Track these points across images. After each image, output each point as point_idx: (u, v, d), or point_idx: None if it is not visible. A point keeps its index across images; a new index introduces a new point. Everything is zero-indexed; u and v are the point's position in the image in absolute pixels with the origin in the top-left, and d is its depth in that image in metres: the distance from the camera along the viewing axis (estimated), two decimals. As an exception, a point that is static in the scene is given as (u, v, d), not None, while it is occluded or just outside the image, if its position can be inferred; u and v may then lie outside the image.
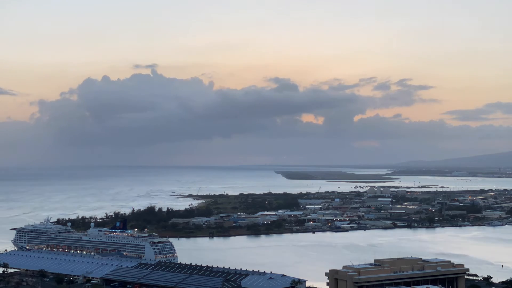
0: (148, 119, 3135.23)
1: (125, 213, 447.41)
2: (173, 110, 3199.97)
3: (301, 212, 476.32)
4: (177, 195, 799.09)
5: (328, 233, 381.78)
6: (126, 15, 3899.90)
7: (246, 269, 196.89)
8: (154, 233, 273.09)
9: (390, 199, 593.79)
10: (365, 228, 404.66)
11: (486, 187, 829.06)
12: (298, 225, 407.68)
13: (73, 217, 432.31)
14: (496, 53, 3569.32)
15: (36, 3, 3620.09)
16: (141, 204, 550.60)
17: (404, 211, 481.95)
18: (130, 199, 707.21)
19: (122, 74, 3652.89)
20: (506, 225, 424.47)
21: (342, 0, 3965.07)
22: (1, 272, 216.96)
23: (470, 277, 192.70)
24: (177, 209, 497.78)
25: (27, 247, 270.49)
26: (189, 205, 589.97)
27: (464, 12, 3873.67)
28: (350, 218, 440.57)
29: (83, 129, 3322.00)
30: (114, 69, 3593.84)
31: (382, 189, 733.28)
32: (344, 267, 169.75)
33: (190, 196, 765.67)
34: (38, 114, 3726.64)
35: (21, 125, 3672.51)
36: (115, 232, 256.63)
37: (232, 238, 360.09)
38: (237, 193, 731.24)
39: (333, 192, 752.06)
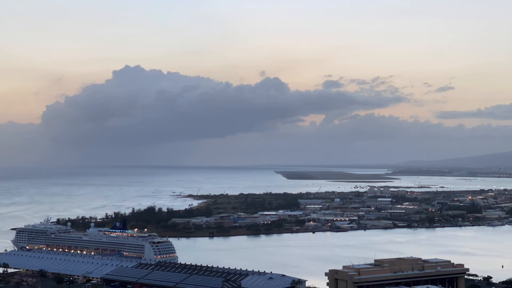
0: (144, 119, 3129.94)
1: (125, 213, 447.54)
2: (171, 109, 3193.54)
3: (301, 212, 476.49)
4: (177, 195, 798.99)
5: (328, 233, 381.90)
6: (118, 11, 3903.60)
7: (246, 269, 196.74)
8: (154, 233, 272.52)
9: (390, 199, 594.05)
10: (365, 228, 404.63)
11: (486, 187, 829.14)
12: (298, 225, 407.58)
13: (73, 217, 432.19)
14: (496, 53, 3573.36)
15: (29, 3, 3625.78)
16: (141, 204, 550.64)
17: (404, 211, 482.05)
18: (130, 199, 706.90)
19: (114, 70, 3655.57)
20: (506, 225, 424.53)
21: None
22: (1, 272, 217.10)
23: (470, 277, 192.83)
24: (177, 209, 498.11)
25: (27, 247, 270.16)
26: (189, 205, 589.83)
27: (464, 13, 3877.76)
28: (350, 218, 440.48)
29: (77, 129, 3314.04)
30: (105, 66, 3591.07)
31: (382, 189, 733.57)
32: (344, 267, 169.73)
33: (190, 196, 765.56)
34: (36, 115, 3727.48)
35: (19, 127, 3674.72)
36: (115, 232, 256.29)
37: (232, 238, 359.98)
38: (237, 193, 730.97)
39: (333, 192, 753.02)
